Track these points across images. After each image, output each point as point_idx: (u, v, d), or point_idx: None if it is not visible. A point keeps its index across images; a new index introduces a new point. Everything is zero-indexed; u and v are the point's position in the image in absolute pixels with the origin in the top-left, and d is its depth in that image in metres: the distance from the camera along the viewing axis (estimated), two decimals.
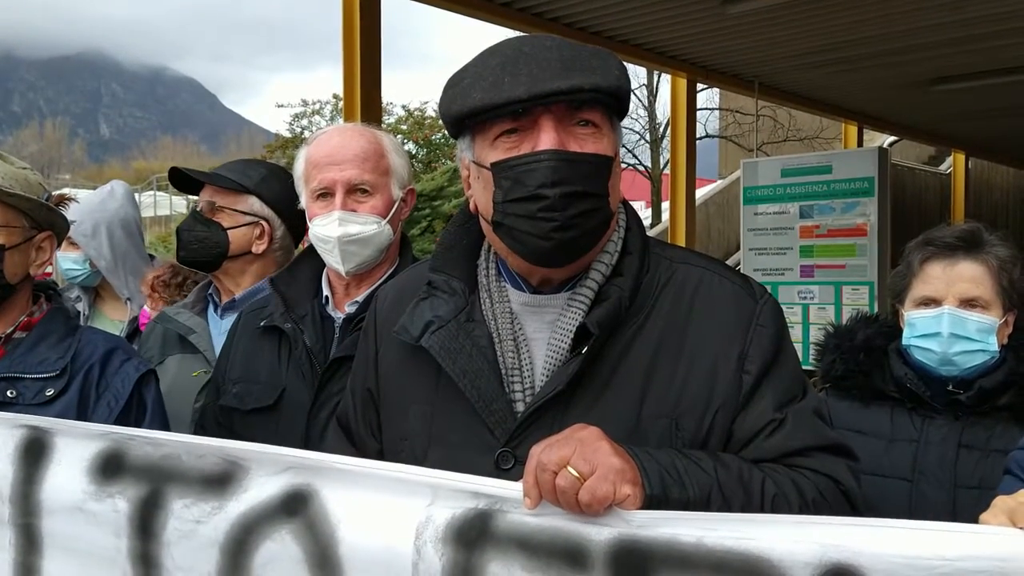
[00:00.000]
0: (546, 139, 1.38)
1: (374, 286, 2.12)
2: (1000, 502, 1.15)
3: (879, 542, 1.14)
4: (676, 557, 1.21)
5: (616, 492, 1.22)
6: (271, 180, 2.51)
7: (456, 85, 1.46)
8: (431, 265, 1.60)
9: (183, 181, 2.59)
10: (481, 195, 1.48)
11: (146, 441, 1.57)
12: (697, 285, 1.51)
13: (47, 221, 1.96)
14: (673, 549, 1.21)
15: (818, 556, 1.15)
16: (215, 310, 2.56)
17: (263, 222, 2.50)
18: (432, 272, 1.58)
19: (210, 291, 2.61)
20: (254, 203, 2.49)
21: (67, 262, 3.35)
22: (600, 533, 1.24)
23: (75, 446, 1.61)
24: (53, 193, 1.99)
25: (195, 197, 2.61)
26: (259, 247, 2.50)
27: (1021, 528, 1.09)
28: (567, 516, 1.26)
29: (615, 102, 1.44)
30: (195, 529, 1.48)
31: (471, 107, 1.41)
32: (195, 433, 2.18)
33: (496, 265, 1.57)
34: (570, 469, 1.22)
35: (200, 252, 2.49)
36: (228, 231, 2.47)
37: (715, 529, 1.20)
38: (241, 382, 2.17)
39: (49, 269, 3.12)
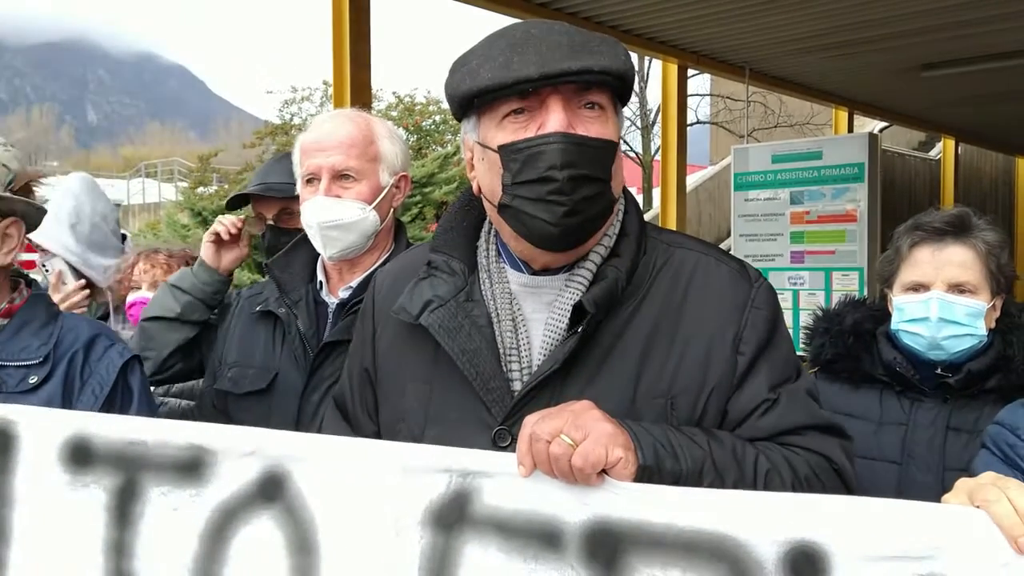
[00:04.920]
0: (554, 120, 1.38)
1: (368, 271, 2.13)
2: (962, 483, 1.20)
3: (844, 519, 1.17)
4: (647, 537, 1.23)
5: (608, 455, 1.23)
6: None
7: (464, 66, 1.45)
8: (431, 245, 1.60)
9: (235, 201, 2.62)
10: (486, 177, 1.48)
11: (111, 428, 1.54)
12: (693, 268, 1.51)
13: (4, 208, 1.85)
14: (644, 529, 1.23)
15: (784, 533, 1.18)
16: None
17: None
18: (432, 252, 1.58)
19: None
20: None
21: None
22: (576, 515, 1.26)
23: (41, 434, 1.57)
24: (17, 175, 1.84)
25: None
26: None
27: (977, 507, 1.13)
28: (545, 499, 1.27)
29: (621, 86, 1.45)
30: (172, 516, 1.47)
31: (480, 86, 1.40)
32: (194, 417, 2.19)
33: (496, 246, 1.57)
34: (563, 437, 1.23)
35: None
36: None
37: (685, 509, 1.23)
38: (236, 366, 2.19)
39: (27, 257, 3.07)
